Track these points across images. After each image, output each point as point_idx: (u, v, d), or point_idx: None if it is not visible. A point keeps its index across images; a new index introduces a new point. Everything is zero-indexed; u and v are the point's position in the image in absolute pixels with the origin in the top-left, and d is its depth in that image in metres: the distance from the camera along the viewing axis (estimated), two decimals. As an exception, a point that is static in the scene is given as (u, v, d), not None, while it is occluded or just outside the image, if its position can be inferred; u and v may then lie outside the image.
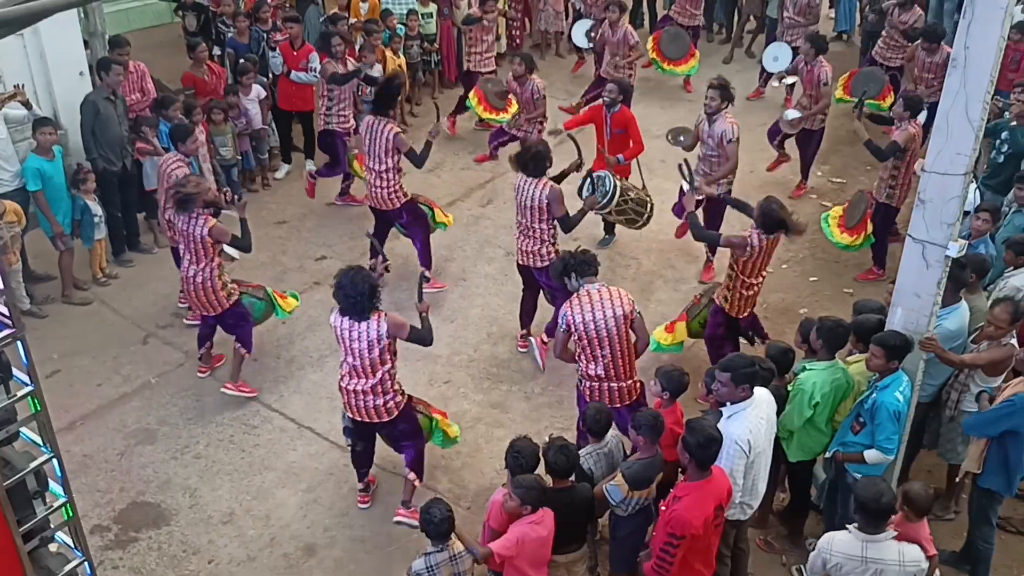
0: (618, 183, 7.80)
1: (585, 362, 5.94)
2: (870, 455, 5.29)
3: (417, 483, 6.17)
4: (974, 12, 4.66)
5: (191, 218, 6.66)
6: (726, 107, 8.21)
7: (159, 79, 10.32)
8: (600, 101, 8.90)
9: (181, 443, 6.85)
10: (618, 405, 5.98)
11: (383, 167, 7.98)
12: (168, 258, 8.90)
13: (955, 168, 4.92)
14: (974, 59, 4.72)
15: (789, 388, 5.65)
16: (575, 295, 5.90)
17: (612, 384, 5.95)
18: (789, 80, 10.26)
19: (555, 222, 7.22)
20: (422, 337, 5.88)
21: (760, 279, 6.87)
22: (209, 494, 6.43)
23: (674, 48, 12.17)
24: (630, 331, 5.88)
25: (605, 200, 7.73)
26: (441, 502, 4.85)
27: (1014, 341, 5.71)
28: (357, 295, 5.53)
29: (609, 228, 9.28)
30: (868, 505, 4.53)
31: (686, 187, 7.48)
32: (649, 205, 8.14)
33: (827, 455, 5.69)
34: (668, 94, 12.74)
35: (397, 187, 8.11)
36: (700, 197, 8.02)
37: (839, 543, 4.65)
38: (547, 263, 7.19)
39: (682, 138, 8.58)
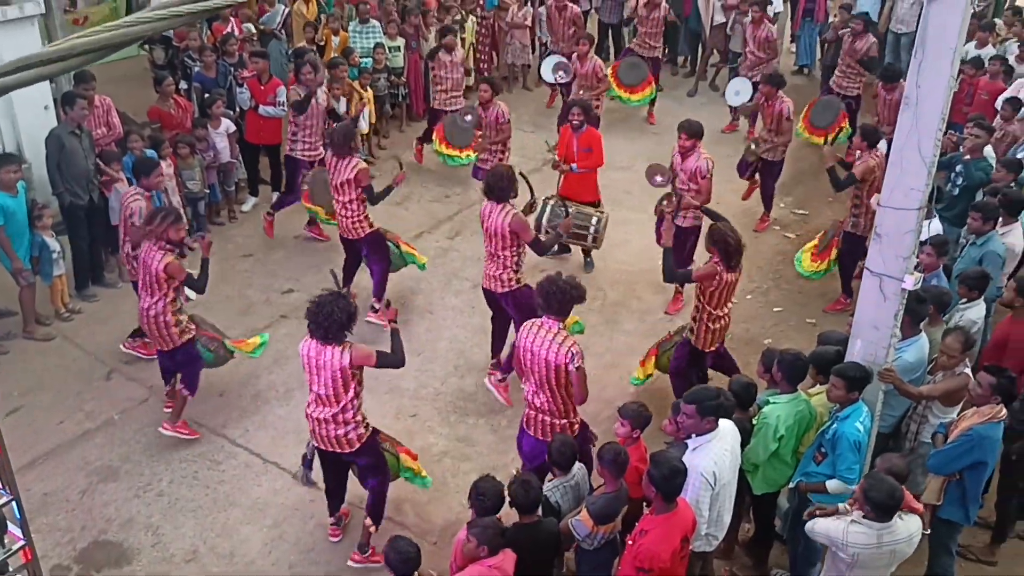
0: (566, 206, 8.27)
1: (527, 385, 5.94)
2: (832, 485, 5.34)
3: (373, 530, 6.10)
4: (925, 52, 4.80)
5: (150, 250, 6.64)
6: (698, 144, 8.35)
7: (125, 113, 10.29)
8: (567, 123, 9.09)
9: (144, 480, 6.78)
10: (549, 441, 5.93)
11: (347, 198, 8.08)
12: (132, 292, 8.87)
13: (909, 203, 5.04)
14: (925, 97, 4.85)
15: (754, 422, 5.70)
16: (531, 320, 5.90)
17: (546, 418, 5.91)
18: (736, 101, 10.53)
19: (520, 249, 7.27)
20: (392, 361, 5.87)
21: (727, 310, 6.94)
22: (172, 532, 6.35)
23: (631, 75, 12.34)
24: (563, 378, 5.76)
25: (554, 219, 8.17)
26: (406, 539, 4.83)
27: (968, 371, 5.82)
28: (332, 320, 5.53)
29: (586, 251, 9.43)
30: (884, 503, 4.64)
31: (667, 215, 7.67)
32: (595, 219, 8.35)
33: (791, 485, 5.75)
34: (634, 126, 12.90)
35: (362, 217, 8.18)
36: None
37: (855, 536, 4.72)
38: (508, 288, 7.27)
39: (658, 178, 8.70)
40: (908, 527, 4.77)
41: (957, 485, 5.57)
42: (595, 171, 9.20)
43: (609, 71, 12.41)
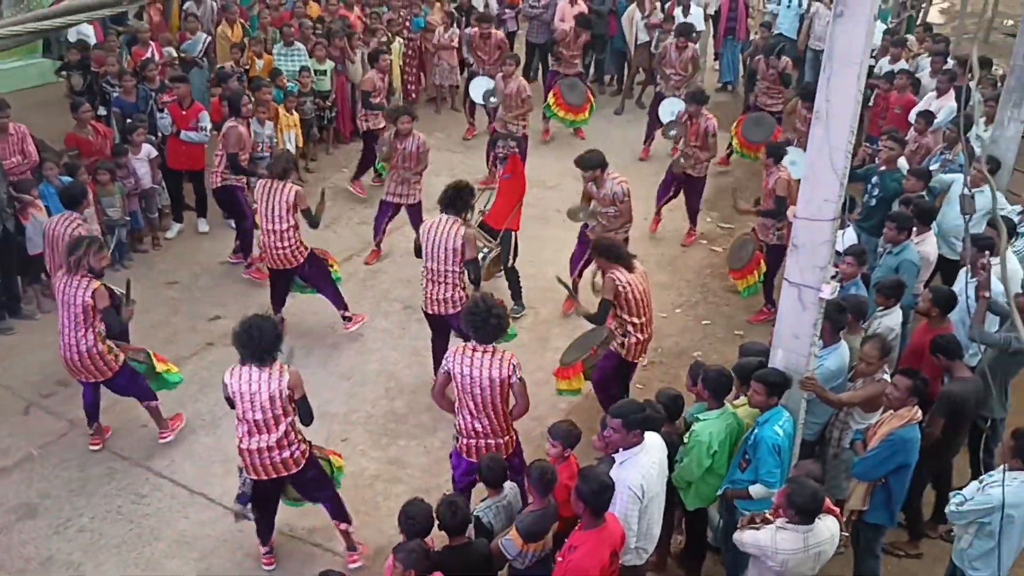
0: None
1: (461, 416, 5.89)
2: (754, 490, 5.42)
3: (349, 529, 6.16)
4: (833, 67, 4.94)
5: (72, 281, 6.47)
6: (604, 172, 8.42)
7: (43, 140, 10.04)
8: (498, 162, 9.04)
9: (64, 516, 6.56)
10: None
11: (284, 225, 7.99)
12: (52, 323, 8.57)
13: (823, 214, 5.16)
14: (835, 111, 4.98)
15: (686, 440, 5.72)
16: (462, 345, 5.87)
17: (490, 440, 5.90)
18: (672, 132, 10.61)
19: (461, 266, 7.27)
20: (306, 409, 5.82)
21: (646, 318, 7.01)
22: (93, 570, 6.15)
23: (574, 96, 12.48)
24: (507, 393, 5.82)
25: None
26: (334, 572, 4.78)
27: (887, 377, 5.95)
28: (263, 339, 5.50)
29: (518, 297, 9.13)
30: (806, 506, 4.73)
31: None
32: (484, 251, 8.34)
33: (719, 492, 5.80)
34: (563, 144, 12.97)
35: (298, 243, 8.14)
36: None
37: (783, 543, 4.78)
38: (459, 308, 7.12)
39: (581, 215, 8.76)
40: (829, 527, 4.88)
41: (882, 489, 5.68)
42: (514, 199, 8.80)
43: (551, 95, 12.52)
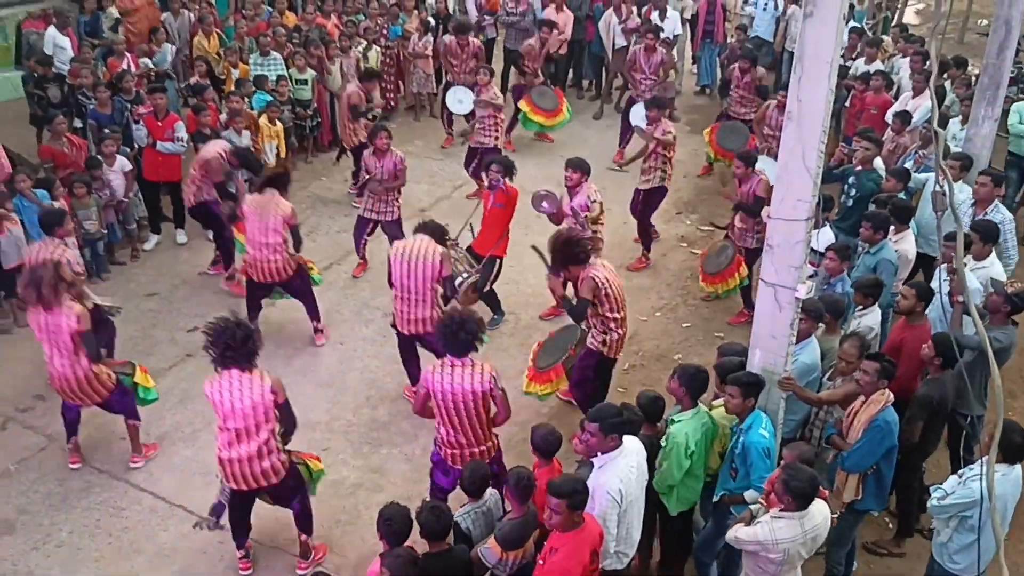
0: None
1: (444, 429, 5.91)
2: (749, 495, 5.39)
3: (309, 541, 6.17)
4: (803, 67, 4.95)
5: (54, 311, 6.37)
6: (584, 180, 8.44)
7: (19, 154, 10.01)
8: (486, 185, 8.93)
9: (43, 532, 6.50)
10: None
11: (278, 240, 8.01)
12: (30, 337, 8.49)
13: (797, 214, 5.17)
14: (807, 112, 4.99)
15: (662, 442, 5.71)
16: (439, 362, 5.87)
17: (473, 448, 5.92)
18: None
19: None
20: (289, 415, 5.84)
21: (623, 312, 7.05)
22: (73, 584, 6.11)
23: (546, 100, 12.50)
24: (489, 404, 5.85)
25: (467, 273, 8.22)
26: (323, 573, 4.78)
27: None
28: (244, 340, 5.54)
29: (496, 308, 9.10)
30: (804, 491, 4.73)
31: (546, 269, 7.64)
32: (463, 276, 8.27)
33: (714, 499, 5.77)
34: (543, 151, 13.00)
35: (289, 257, 8.16)
36: None
37: (781, 532, 4.78)
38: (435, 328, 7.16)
39: (544, 204, 8.75)
40: (821, 511, 4.90)
41: (873, 476, 5.72)
42: (502, 227, 8.77)
43: (523, 101, 12.53)
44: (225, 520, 6.18)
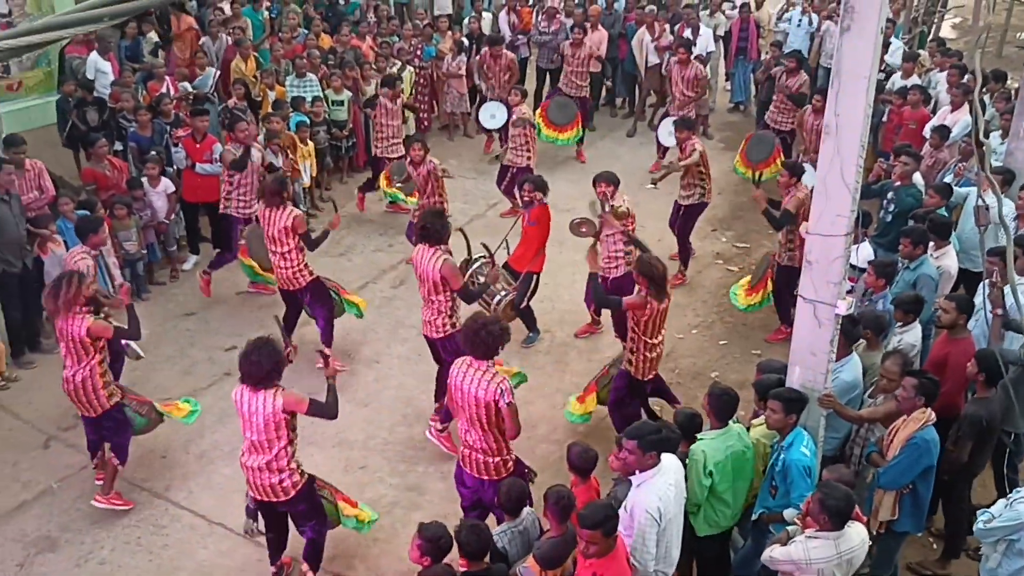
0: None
1: (460, 423, 5.97)
2: (788, 514, 5.33)
3: (310, 575, 6.08)
4: (841, 81, 4.93)
5: (69, 318, 6.44)
6: (614, 191, 8.42)
7: (61, 176, 10.18)
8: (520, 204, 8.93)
9: (85, 549, 6.57)
10: (485, 478, 5.96)
11: (284, 248, 8.06)
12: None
13: (836, 229, 5.13)
14: (845, 125, 4.96)
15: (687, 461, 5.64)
16: (462, 358, 5.93)
17: (479, 455, 5.92)
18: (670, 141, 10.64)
19: (454, 295, 7.28)
20: (323, 411, 5.84)
21: (661, 338, 7.00)
22: (114, 602, 6.16)
23: (560, 115, 12.53)
24: (493, 415, 5.79)
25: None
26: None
27: (908, 393, 5.88)
28: (259, 366, 5.54)
29: (532, 325, 9.10)
30: (840, 509, 4.68)
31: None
32: (501, 294, 8.37)
33: (753, 518, 5.71)
34: (576, 167, 13.00)
35: (301, 266, 8.17)
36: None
37: (816, 552, 4.71)
38: (443, 334, 7.30)
39: (583, 229, 8.75)
40: (858, 533, 4.82)
41: (909, 496, 5.62)
42: (537, 244, 8.77)
43: (538, 112, 12.57)
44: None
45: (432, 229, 7.19)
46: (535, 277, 8.84)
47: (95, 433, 6.91)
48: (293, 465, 5.77)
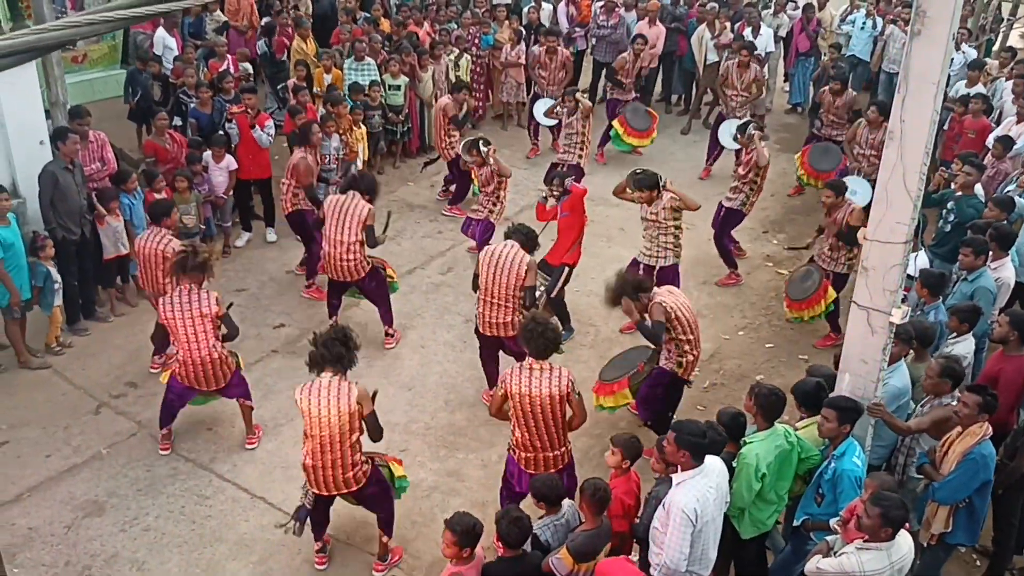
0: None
1: (520, 431, 5.97)
2: (835, 523, 5.28)
3: (388, 541, 6.27)
4: (908, 87, 4.85)
5: (193, 295, 6.76)
6: (653, 193, 8.42)
7: (121, 148, 10.36)
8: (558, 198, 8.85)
9: (130, 515, 6.71)
10: (552, 471, 5.98)
11: (353, 239, 8.14)
12: (125, 326, 8.89)
13: (895, 237, 5.06)
14: (910, 132, 4.89)
15: (733, 464, 5.59)
16: (518, 365, 5.96)
17: (548, 453, 5.99)
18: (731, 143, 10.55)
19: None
20: (375, 426, 5.91)
21: (695, 333, 7.04)
22: (157, 568, 6.28)
23: (639, 121, 12.44)
24: (565, 408, 5.91)
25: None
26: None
27: (954, 401, 5.79)
28: (343, 348, 5.72)
29: (566, 322, 9.01)
30: (901, 518, 4.62)
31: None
32: (540, 289, 8.27)
33: (796, 523, 5.66)
34: (626, 161, 12.86)
35: (363, 257, 8.29)
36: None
37: (870, 564, 4.66)
38: (516, 332, 7.21)
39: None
40: (906, 541, 4.77)
41: (965, 509, 5.54)
42: (572, 236, 8.77)
43: (619, 125, 12.48)
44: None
45: (531, 239, 7.52)
46: (567, 269, 8.85)
47: (182, 403, 7.28)
48: (360, 456, 5.88)
